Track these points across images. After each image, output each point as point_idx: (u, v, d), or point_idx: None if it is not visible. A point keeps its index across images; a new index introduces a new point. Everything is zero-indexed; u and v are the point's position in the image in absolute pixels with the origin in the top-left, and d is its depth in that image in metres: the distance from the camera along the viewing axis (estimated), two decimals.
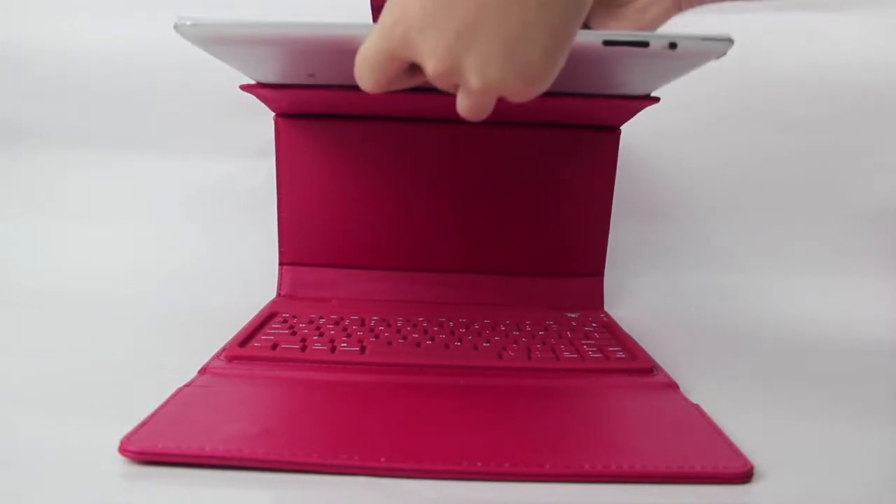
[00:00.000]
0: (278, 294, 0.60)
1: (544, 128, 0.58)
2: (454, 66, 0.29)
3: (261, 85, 0.50)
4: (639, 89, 0.48)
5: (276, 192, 0.60)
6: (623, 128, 0.58)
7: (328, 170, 0.59)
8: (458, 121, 0.58)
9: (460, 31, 0.28)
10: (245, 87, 0.51)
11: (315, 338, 0.47)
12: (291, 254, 0.61)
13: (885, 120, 0.71)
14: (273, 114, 0.59)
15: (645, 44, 0.36)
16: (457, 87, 0.31)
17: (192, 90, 0.73)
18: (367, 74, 0.32)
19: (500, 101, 0.34)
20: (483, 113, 0.32)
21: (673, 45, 0.36)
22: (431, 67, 0.29)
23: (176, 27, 0.37)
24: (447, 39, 0.28)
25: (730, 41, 0.37)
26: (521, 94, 0.30)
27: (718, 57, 0.38)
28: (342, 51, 0.34)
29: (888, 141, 0.72)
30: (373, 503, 0.30)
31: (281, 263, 0.61)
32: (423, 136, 0.58)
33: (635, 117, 0.58)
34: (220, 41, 0.39)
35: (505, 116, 0.54)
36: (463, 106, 0.31)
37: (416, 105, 0.56)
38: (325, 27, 0.36)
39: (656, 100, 0.50)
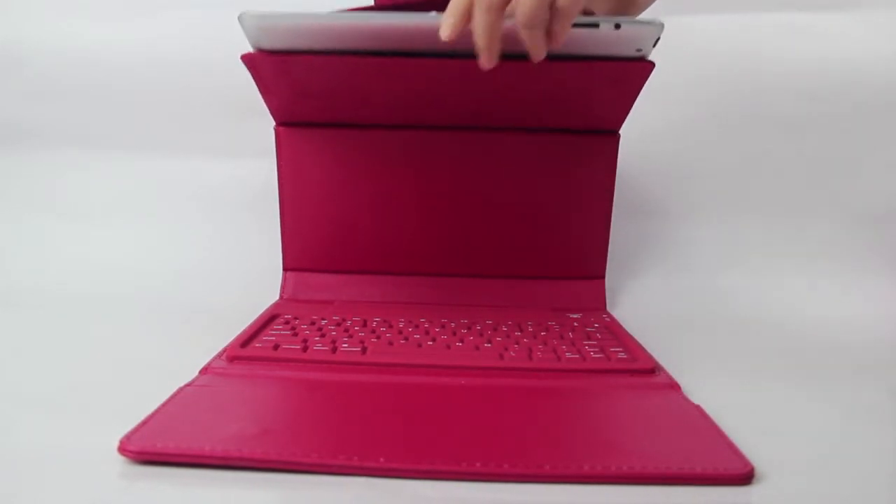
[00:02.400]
0: (281, 297, 0.60)
1: (545, 133, 0.58)
2: None
3: (262, 52, 0.48)
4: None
5: (277, 199, 0.60)
6: (623, 129, 0.58)
7: (329, 177, 0.59)
8: (458, 127, 0.59)
9: None
10: (246, 57, 0.49)
11: (316, 338, 0.47)
12: (294, 260, 0.61)
13: (885, 120, 0.71)
14: (274, 123, 0.59)
15: (596, 25, 0.45)
16: None
17: (193, 90, 0.73)
18: None
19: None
20: (538, 16, 0.38)
21: (617, 26, 0.45)
22: None
23: (239, 18, 0.45)
24: None
25: (661, 25, 0.45)
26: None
27: (655, 42, 0.46)
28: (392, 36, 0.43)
29: (888, 141, 0.72)
30: (373, 503, 0.29)
31: (284, 269, 0.61)
32: (424, 142, 0.58)
33: (636, 117, 0.58)
34: (285, 32, 0.46)
35: (509, 115, 0.54)
36: (520, 9, 0.38)
37: (416, 112, 0.56)
38: (382, 17, 0.45)
39: (651, 64, 0.49)
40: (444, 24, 0.39)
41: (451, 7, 0.39)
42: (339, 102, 0.54)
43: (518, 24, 0.39)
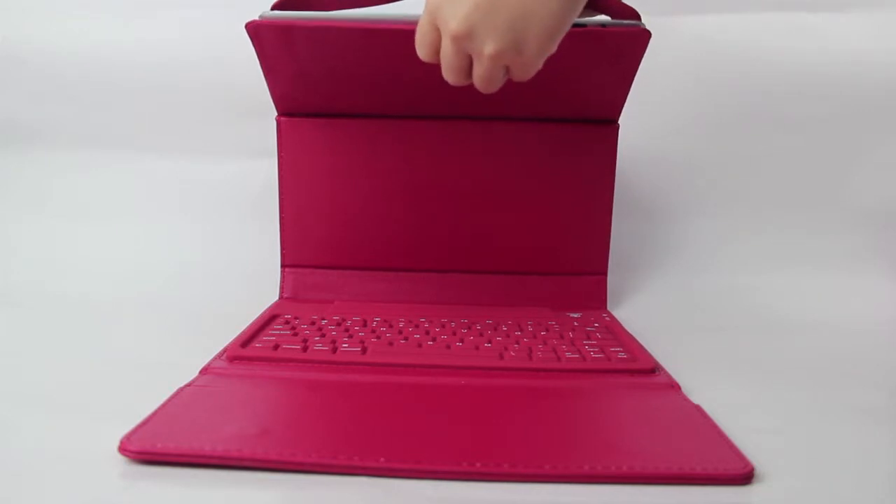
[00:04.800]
0: (281, 296, 0.60)
1: (545, 123, 0.58)
2: (469, 30, 0.37)
3: (266, 20, 0.49)
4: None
5: (277, 199, 0.60)
6: (625, 127, 0.58)
7: (328, 170, 0.59)
8: (458, 117, 0.59)
9: (478, 4, 0.36)
10: (250, 25, 0.49)
11: (316, 338, 0.47)
12: (293, 256, 0.61)
13: (885, 120, 0.71)
14: (276, 114, 0.59)
15: (584, 25, 0.47)
16: (468, 57, 0.38)
17: (193, 90, 0.73)
18: (418, 44, 0.40)
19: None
20: (493, 83, 0.39)
21: (603, 27, 0.48)
22: (451, 28, 0.37)
23: (260, 16, 0.49)
24: (466, 8, 0.36)
25: (643, 26, 0.49)
26: (519, 66, 0.38)
27: None
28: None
29: (889, 140, 0.71)
30: (373, 503, 0.29)
31: (283, 266, 0.61)
32: (424, 134, 0.58)
33: (638, 115, 0.58)
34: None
35: (507, 96, 0.54)
36: (476, 74, 0.39)
37: (414, 96, 0.56)
38: (384, 17, 0.48)
39: (647, 33, 0.49)
40: (419, 53, 0.41)
41: (419, 41, 0.40)
42: (339, 85, 0.55)
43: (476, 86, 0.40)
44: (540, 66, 0.39)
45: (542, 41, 0.37)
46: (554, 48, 0.38)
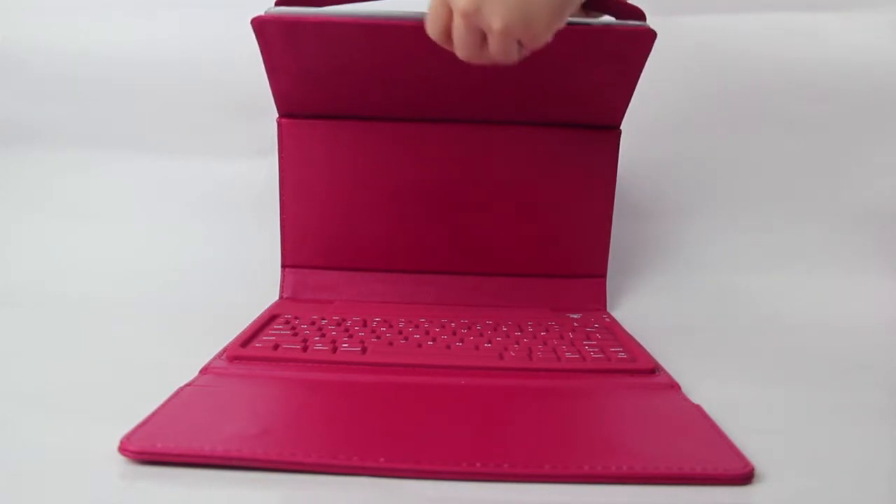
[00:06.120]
0: (281, 297, 0.60)
1: (546, 128, 0.58)
2: (477, 6, 0.37)
3: (272, 16, 0.49)
4: None
5: (277, 199, 0.60)
6: (624, 129, 0.58)
7: (330, 171, 0.59)
8: (459, 120, 0.59)
9: None
10: (256, 21, 0.49)
11: (316, 338, 0.47)
12: (294, 256, 0.61)
13: (885, 120, 0.71)
14: (277, 115, 0.59)
15: (587, 25, 0.48)
16: (481, 33, 0.39)
17: (193, 90, 0.73)
18: (430, 23, 0.41)
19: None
20: (508, 56, 0.40)
21: (606, 26, 0.48)
22: (461, 5, 0.37)
23: (266, 12, 0.49)
24: None
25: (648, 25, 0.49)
26: (528, 40, 0.39)
27: None
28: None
29: (888, 141, 0.71)
30: (373, 503, 0.29)
31: (283, 266, 0.61)
32: (425, 137, 0.58)
33: (637, 116, 0.57)
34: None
35: (510, 97, 0.54)
36: (490, 50, 0.39)
37: (417, 106, 0.56)
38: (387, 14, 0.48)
39: (653, 33, 0.49)
40: (430, 31, 0.41)
41: (431, 19, 0.41)
42: (344, 84, 0.54)
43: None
44: (550, 38, 0.39)
45: (550, 14, 0.37)
46: (562, 22, 0.39)
